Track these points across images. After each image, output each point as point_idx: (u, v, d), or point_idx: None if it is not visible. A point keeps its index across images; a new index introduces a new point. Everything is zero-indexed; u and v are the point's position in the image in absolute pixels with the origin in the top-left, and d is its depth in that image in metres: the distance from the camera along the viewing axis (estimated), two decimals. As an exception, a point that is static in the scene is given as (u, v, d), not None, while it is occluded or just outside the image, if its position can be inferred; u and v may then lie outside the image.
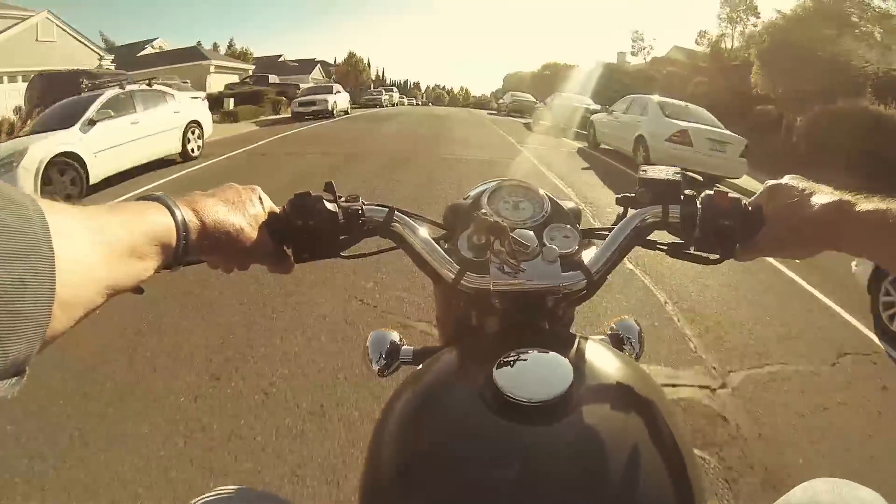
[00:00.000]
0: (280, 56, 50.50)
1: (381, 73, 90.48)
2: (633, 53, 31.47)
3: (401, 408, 0.47)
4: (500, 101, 28.93)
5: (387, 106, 31.97)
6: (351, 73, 49.04)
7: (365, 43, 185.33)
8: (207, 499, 0.51)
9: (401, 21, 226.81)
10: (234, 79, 28.17)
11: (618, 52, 33.65)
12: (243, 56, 42.19)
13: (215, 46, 44.91)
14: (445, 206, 0.66)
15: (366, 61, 55.13)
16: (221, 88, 25.29)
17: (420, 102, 74.00)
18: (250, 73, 31.22)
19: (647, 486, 0.38)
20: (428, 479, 0.39)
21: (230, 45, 46.87)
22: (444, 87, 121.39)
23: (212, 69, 28.60)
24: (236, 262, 0.50)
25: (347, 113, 19.43)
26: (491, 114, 26.36)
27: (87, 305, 0.31)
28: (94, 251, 0.32)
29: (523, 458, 0.38)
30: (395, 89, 43.18)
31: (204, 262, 0.50)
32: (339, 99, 18.39)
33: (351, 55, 52.60)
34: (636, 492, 0.37)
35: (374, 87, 42.91)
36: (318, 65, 46.67)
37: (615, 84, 22.52)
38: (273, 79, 28.56)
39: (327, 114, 16.80)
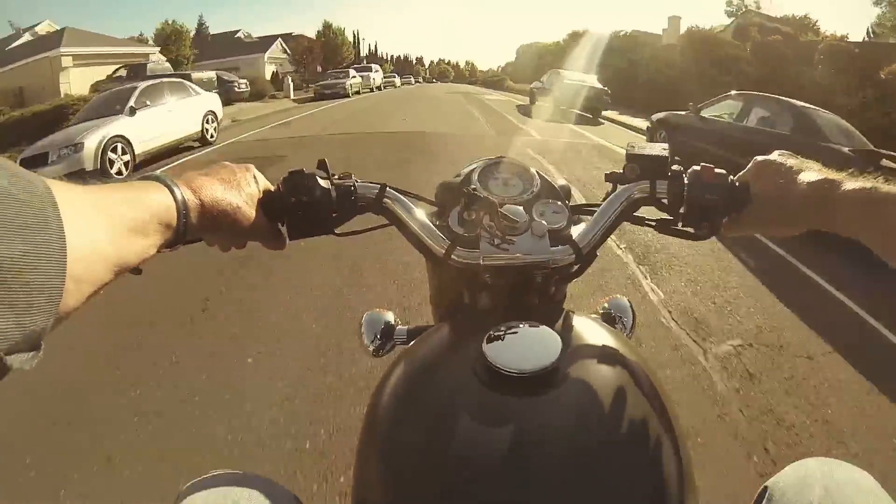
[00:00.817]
0: (237, 31, 39.41)
1: (373, 48, 79.10)
2: (732, 15, 20.94)
3: (393, 384, 0.47)
4: (538, 84, 15.33)
5: (356, 94, 20.93)
6: (316, 49, 37.17)
7: (368, 16, 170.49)
8: (200, 482, 0.51)
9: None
10: (122, 72, 17.58)
11: (670, 17, 21.94)
12: (177, 35, 30.82)
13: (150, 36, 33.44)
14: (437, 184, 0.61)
15: (351, 34, 44.63)
16: (86, 90, 15.35)
17: (422, 80, 61.76)
18: (152, 59, 20.38)
19: (634, 456, 0.39)
20: (421, 452, 0.40)
21: (202, 23, 36.78)
22: (448, 62, 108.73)
23: (67, 63, 17.93)
24: (233, 240, 0.52)
25: (198, 149, 8.44)
26: (522, 111, 14.12)
27: (96, 282, 0.31)
28: (101, 228, 0.32)
29: (513, 428, 0.39)
30: (375, 68, 30.80)
31: (201, 241, 0.50)
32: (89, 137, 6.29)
33: (327, 26, 40.98)
34: (623, 461, 0.38)
35: (342, 67, 30.42)
36: (279, 40, 35.34)
37: (706, 63, 12.14)
38: (158, 64, 17.70)
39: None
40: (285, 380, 2.04)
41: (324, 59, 36.11)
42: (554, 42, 34.07)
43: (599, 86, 12.83)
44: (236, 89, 17.20)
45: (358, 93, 21.47)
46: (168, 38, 27.90)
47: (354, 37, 56.92)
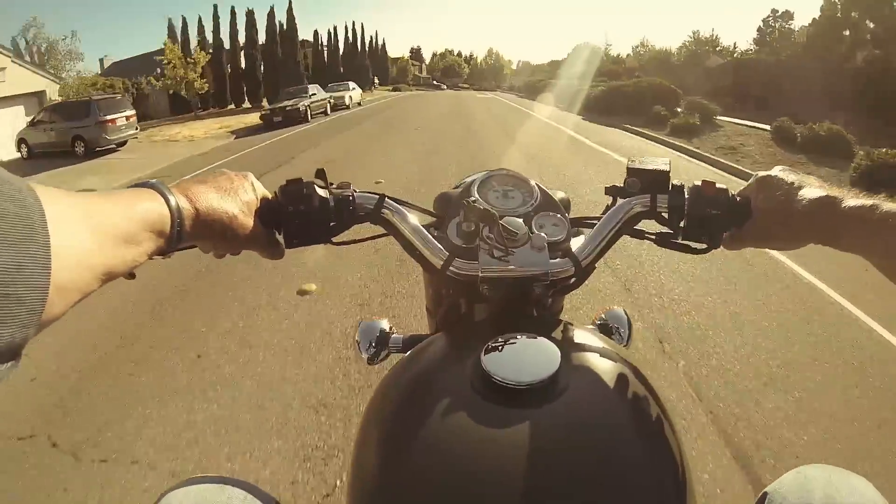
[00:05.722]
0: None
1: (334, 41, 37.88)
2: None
3: (390, 394, 0.48)
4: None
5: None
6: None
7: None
8: (181, 485, 0.51)
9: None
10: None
11: None
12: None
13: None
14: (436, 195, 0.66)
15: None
16: None
17: (424, 84, 39.02)
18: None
19: (635, 467, 0.39)
20: (417, 462, 0.40)
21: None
22: (458, 54, 79.01)
23: None
24: (229, 247, 0.51)
25: None
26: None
27: (82, 290, 0.31)
28: (89, 237, 0.32)
29: (512, 440, 0.38)
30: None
31: (196, 247, 0.50)
32: None
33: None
34: (624, 472, 0.38)
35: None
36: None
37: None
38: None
39: None
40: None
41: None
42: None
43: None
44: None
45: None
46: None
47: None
